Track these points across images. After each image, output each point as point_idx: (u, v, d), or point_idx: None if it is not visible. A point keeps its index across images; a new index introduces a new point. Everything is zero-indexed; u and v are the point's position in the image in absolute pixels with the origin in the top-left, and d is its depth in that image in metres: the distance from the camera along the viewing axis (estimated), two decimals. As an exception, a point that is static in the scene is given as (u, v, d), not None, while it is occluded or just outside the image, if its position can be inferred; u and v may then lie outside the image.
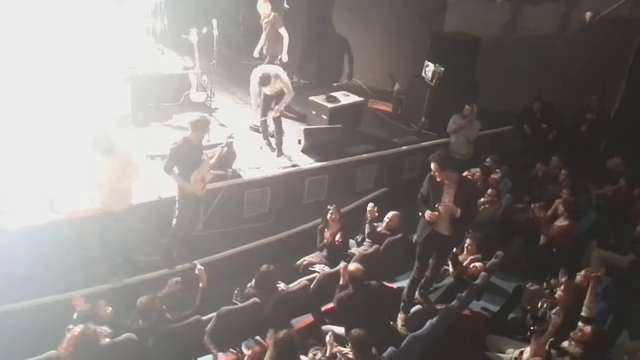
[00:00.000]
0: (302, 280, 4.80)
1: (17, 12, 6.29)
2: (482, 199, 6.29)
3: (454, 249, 5.33)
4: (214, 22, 6.52)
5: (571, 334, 4.19)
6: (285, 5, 8.21)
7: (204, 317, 4.16)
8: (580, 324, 4.23)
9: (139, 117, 6.55)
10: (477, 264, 5.24)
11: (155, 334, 3.80)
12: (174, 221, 5.26)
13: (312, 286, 4.75)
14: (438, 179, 4.31)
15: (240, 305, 4.35)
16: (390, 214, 5.64)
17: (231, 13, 6.90)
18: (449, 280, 5.30)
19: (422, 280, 4.83)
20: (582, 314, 4.32)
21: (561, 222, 5.94)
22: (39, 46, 6.31)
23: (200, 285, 4.18)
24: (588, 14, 8.18)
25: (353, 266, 4.55)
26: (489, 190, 6.40)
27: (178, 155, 4.84)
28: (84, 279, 4.79)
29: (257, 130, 7.07)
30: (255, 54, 7.19)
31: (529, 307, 4.87)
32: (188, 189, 4.94)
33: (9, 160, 5.27)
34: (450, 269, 5.27)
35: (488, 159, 6.96)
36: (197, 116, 5.00)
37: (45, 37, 6.37)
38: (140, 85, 6.74)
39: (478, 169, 6.71)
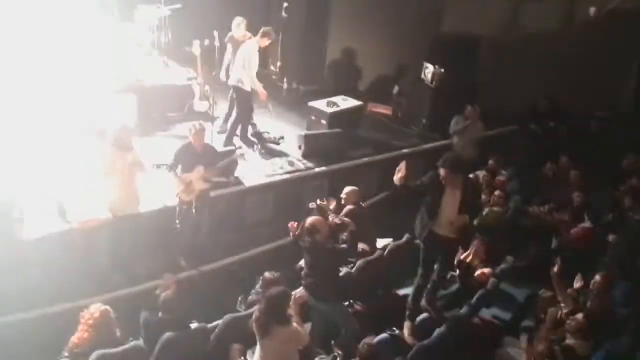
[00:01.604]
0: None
1: (23, 23, 6.38)
2: (488, 202, 6.15)
3: (461, 254, 5.22)
4: (216, 33, 6.76)
5: (566, 326, 4.08)
6: (284, 13, 8.35)
7: (209, 325, 4.15)
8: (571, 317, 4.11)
9: (145, 128, 6.72)
10: (486, 270, 5.09)
11: (174, 328, 3.83)
12: (177, 227, 5.38)
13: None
14: (444, 183, 4.20)
15: (245, 312, 4.31)
16: (347, 189, 5.48)
17: (231, 24, 6.99)
18: (456, 286, 5.16)
19: (428, 287, 4.70)
20: (563, 310, 4.21)
21: (584, 225, 5.65)
22: (51, 58, 6.43)
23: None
24: (592, 9, 8.05)
25: (310, 219, 4.33)
26: (496, 192, 6.24)
27: (179, 157, 5.14)
28: (95, 287, 4.86)
29: (258, 137, 7.11)
30: (222, 76, 7.00)
31: (542, 315, 4.69)
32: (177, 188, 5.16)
33: (22, 169, 5.38)
34: (457, 275, 5.13)
35: (491, 161, 6.83)
36: (192, 124, 5.23)
37: (57, 50, 6.48)
38: (145, 97, 6.97)
39: (483, 171, 6.58)
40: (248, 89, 6.45)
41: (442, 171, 4.23)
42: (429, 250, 4.52)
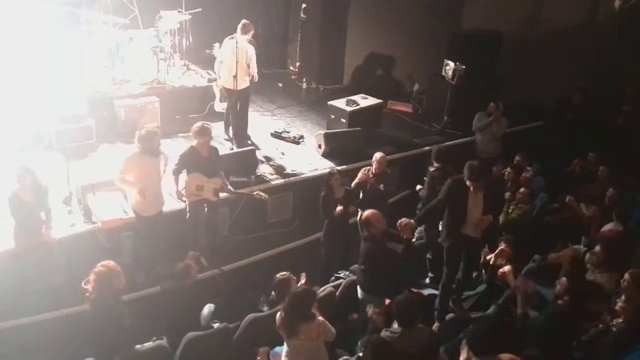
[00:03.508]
0: (328, 287, 4.70)
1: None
2: (513, 199, 5.99)
3: (487, 255, 5.11)
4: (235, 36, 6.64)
5: (587, 261, 4.09)
6: (302, 14, 8.45)
7: (232, 325, 4.14)
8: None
9: (167, 129, 6.82)
10: (506, 268, 4.94)
11: (185, 295, 4.07)
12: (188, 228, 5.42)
13: (337, 293, 4.62)
14: (470, 188, 4.21)
15: (266, 312, 4.28)
16: (377, 154, 5.53)
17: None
18: (483, 287, 5.04)
19: (454, 287, 4.64)
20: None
21: (614, 227, 5.38)
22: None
23: None
24: (617, 2, 7.83)
25: (367, 212, 4.34)
26: (521, 190, 6.10)
27: (184, 161, 5.12)
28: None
29: (278, 137, 7.14)
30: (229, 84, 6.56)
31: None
32: (179, 193, 5.20)
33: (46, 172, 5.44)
34: (484, 275, 5.02)
35: (517, 157, 6.68)
36: (198, 124, 5.18)
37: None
38: (167, 99, 7.10)
39: (508, 168, 6.45)
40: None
41: (471, 184, 4.23)
42: (454, 251, 4.47)
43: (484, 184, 4.29)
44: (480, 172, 4.26)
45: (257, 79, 6.62)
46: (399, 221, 4.27)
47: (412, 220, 4.36)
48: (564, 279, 4.00)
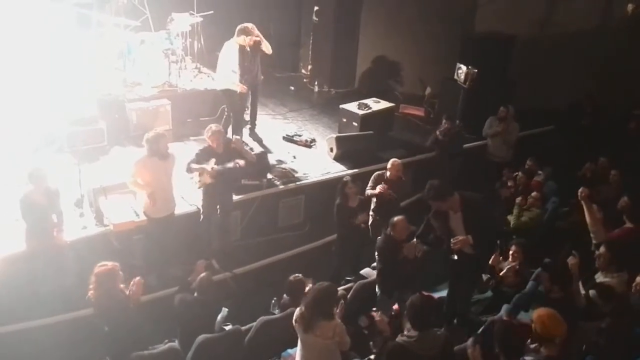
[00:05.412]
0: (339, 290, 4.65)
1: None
2: (524, 204, 5.94)
3: (495, 259, 5.07)
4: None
5: (597, 265, 4.01)
6: (315, 17, 8.46)
7: (243, 328, 4.17)
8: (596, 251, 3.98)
9: (179, 132, 6.86)
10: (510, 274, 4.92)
11: (207, 308, 4.08)
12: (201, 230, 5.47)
13: (348, 296, 4.61)
14: (443, 209, 4.16)
15: (278, 315, 4.29)
16: (394, 161, 5.55)
17: (262, 28, 7.03)
18: (491, 291, 5.01)
19: (461, 294, 4.62)
20: (594, 241, 4.09)
21: (626, 225, 5.25)
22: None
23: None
24: (630, 6, 7.82)
25: (396, 218, 4.54)
26: (533, 194, 6.07)
27: (200, 158, 5.20)
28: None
29: (290, 140, 7.14)
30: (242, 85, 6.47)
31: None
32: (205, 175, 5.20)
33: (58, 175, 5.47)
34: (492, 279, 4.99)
35: (528, 161, 6.64)
36: (210, 126, 5.31)
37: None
38: (179, 102, 7.10)
39: (520, 172, 6.41)
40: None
41: (433, 205, 4.19)
42: (452, 263, 4.46)
43: (457, 203, 4.10)
44: (437, 191, 4.06)
45: (241, 86, 6.46)
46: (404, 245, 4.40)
47: (415, 240, 4.47)
48: (543, 273, 3.96)
